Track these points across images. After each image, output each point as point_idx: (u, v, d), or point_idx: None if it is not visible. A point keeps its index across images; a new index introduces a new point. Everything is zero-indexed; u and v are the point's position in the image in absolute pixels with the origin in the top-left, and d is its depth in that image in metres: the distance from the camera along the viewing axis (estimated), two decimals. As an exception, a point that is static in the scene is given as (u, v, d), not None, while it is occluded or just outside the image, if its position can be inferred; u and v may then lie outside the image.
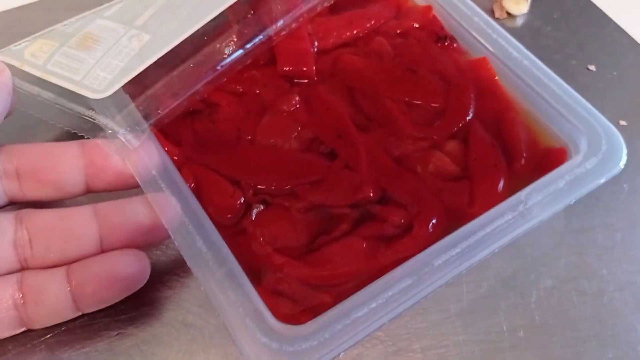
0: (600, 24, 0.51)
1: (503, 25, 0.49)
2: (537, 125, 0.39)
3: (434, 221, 0.35)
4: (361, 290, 0.31)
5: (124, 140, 0.34)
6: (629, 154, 0.37)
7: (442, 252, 0.32)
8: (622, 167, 0.36)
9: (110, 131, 0.34)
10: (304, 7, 0.43)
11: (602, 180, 0.36)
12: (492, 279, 0.38)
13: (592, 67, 0.48)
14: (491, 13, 0.51)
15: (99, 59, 0.36)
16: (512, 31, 0.49)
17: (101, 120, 0.34)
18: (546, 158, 0.38)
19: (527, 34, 0.50)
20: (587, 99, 0.42)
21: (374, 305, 0.30)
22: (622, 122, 0.45)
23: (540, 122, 0.39)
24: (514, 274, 0.38)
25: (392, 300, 0.30)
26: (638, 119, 0.46)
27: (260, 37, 0.41)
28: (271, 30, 0.41)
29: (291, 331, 0.29)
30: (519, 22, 0.51)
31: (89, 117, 0.34)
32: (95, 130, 0.35)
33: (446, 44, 0.43)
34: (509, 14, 0.51)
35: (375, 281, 0.31)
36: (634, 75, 0.48)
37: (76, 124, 0.35)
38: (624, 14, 0.51)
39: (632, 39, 0.50)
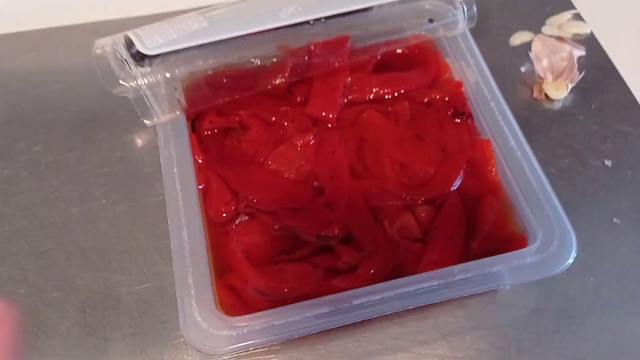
0: (635, 124, 0.52)
1: (540, 106, 0.54)
2: (510, 212, 0.43)
3: (375, 268, 0.40)
4: (287, 306, 0.38)
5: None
6: (614, 251, 0.44)
7: (364, 295, 0.38)
8: (561, 271, 0.39)
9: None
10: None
11: (538, 277, 0.39)
12: (433, 329, 0.43)
13: (608, 163, 0.49)
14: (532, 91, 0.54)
15: (164, 27, 0.46)
16: (545, 113, 0.53)
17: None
18: (507, 242, 0.42)
19: (559, 119, 0.52)
20: (588, 192, 0.48)
21: (291, 320, 0.37)
22: (616, 220, 0.47)
23: (512, 210, 0.43)
24: (454, 330, 0.43)
25: (307, 320, 0.37)
26: (633, 219, 0.47)
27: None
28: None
29: (221, 319, 0.37)
30: (557, 105, 0.53)
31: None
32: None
33: (460, 120, 0.48)
34: (548, 96, 0.53)
35: (302, 302, 0.38)
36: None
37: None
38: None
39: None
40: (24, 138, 0.51)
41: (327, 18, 0.47)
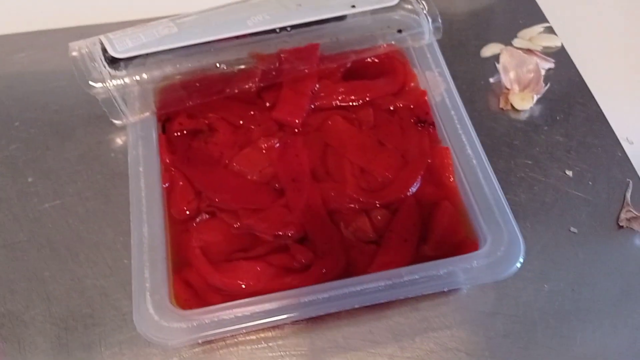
0: (600, 135, 0.53)
1: (506, 116, 0.54)
2: (463, 217, 0.44)
3: (327, 268, 0.42)
4: (236, 301, 0.39)
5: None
6: (570, 260, 0.45)
7: (312, 293, 0.39)
8: (508, 275, 0.40)
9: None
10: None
11: (485, 281, 0.40)
12: (385, 330, 0.44)
13: (569, 173, 0.50)
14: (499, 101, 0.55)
15: (135, 32, 0.48)
16: (511, 123, 0.54)
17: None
18: (459, 247, 0.43)
19: (523, 129, 0.54)
20: (547, 201, 0.48)
21: (240, 314, 0.38)
22: (573, 229, 0.48)
23: (466, 216, 0.44)
24: (405, 331, 0.43)
25: (256, 316, 0.38)
26: (590, 229, 0.48)
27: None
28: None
29: (173, 312, 0.39)
30: (523, 115, 0.55)
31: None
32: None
33: (422, 127, 0.49)
34: (514, 107, 0.54)
35: (252, 297, 0.39)
36: (607, 191, 0.50)
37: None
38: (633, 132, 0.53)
39: (625, 155, 0.52)
40: (4, 136, 0.53)
41: (294, 27, 0.49)
